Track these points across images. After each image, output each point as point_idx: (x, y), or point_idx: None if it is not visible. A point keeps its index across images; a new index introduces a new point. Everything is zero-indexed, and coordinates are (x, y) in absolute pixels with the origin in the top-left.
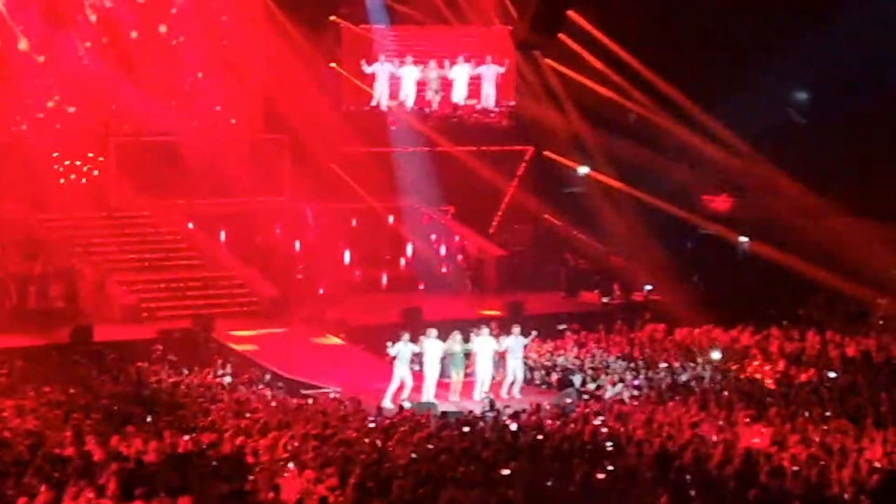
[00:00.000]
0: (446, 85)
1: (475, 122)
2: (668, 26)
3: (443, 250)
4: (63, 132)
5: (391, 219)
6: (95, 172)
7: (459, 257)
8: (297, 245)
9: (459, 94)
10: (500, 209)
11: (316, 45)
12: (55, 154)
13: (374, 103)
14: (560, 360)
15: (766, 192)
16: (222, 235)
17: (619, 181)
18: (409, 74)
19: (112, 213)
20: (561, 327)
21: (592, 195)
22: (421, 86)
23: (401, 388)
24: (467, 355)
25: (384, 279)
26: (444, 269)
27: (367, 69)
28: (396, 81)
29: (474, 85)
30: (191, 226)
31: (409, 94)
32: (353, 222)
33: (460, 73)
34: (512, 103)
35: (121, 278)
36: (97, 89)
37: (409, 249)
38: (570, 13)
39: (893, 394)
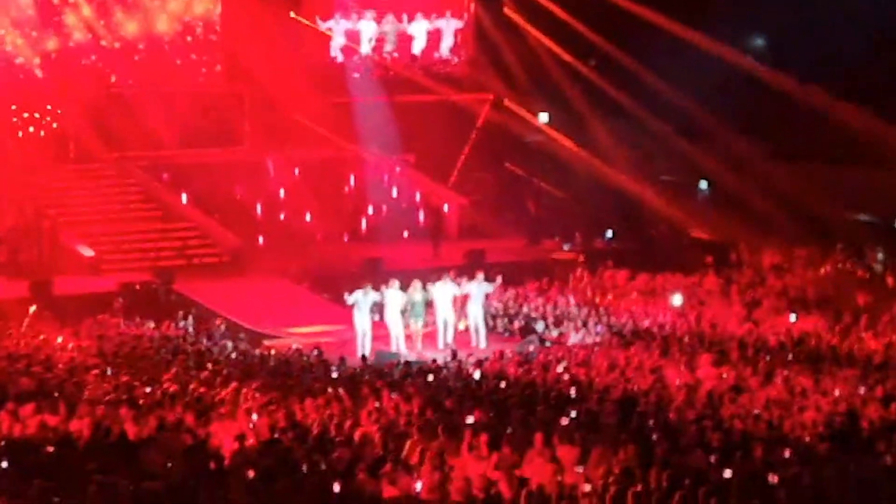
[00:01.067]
0: (405, 39)
1: (435, 72)
2: None
3: (404, 199)
4: (21, 84)
5: (352, 176)
6: (55, 125)
7: (420, 206)
8: (259, 196)
9: (417, 47)
10: (460, 158)
11: None
12: (13, 107)
13: (332, 55)
14: (522, 308)
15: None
16: (184, 187)
17: (578, 129)
18: (367, 29)
19: (72, 165)
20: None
21: (552, 143)
22: (379, 40)
23: (363, 337)
24: (429, 304)
25: (346, 229)
26: (405, 219)
27: (322, 24)
28: (355, 34)
29: (434, 40)
30: (152, 177)
31: (367, 46)
32: (315, 172)
33: (419, 29)
34: (467, 51)
35: (81, 231)
36: (56, 42)
37: (371, 199)
38: None
39: (851, 337)
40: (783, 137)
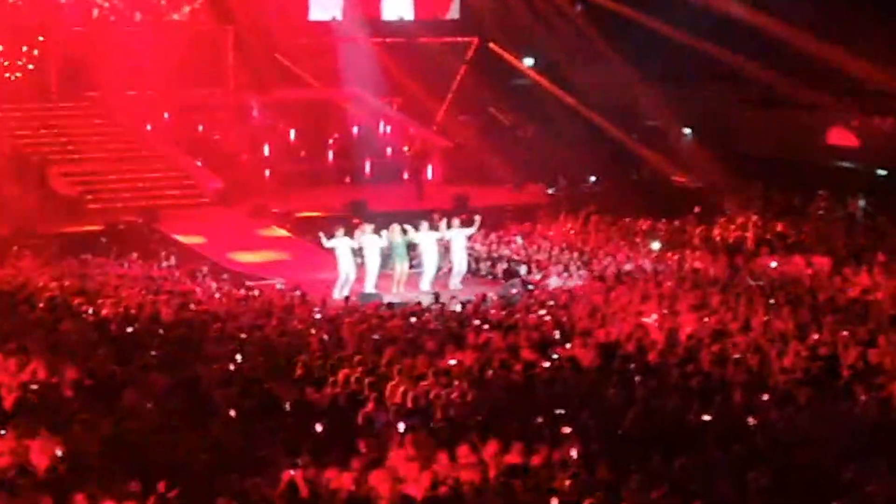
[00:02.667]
0: None
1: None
2: None
3: (389, 141)
4: (4, 24)
5: (337, 117)
6: (31, 66)
7: (405, 148)
8: (243, 137)
9: None
10: (445, 101)
11: None
12: None
13: None
14: (505, 252)
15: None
16: (167, 127)
17: (563, 73)
18: None
19: (53, 105)
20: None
21: (538, 87)
22: None
23: (346, 280)
24: (412, 247)
25: (329, 170)
26: (389, 161)
27: None
28: None
29: None
30: (135, 117)
31: None
32: (299, 113)
33: None
34: None
35: (64, 170)
36: None
37: (356, 141)
38: None
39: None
40: (766, 84)
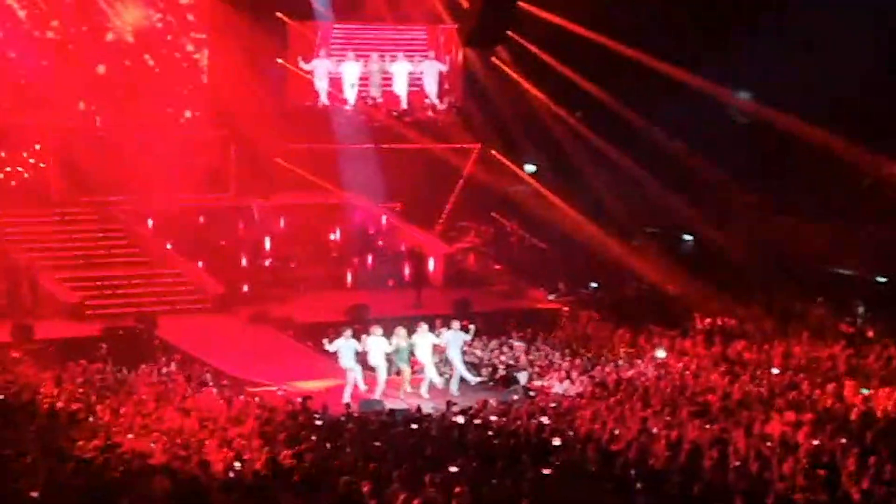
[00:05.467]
0: (390, 82)
1: (421, 120)
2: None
3: (389, 247)
4: (2, 128)
5: (337, 222)
6: (32, 171)
7: (405, 254)
8: (244, 242)
9: (399, 90)
10: (446, 207)
11: (262, 42)
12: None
13: (315, 100)
14: (506, 357)
15: (707, 191)
16: (167, 232)
17: (565, 179)
18: (351, 70)
19: (54, 209)
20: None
21: (539, 193)
22: (364, 81)
23: (354, 385)
24: (413, 351)
25: (330, 276)
26: (391, 266)
27: (305, 66)
28: (339, 78)
29: (417, 82)
30: (134, 222)
31: (353, 88)
32: (300, 219)
33: (400, 70)
34: (453, 100)
35: (63, 275)
36: (37, 86)
37: (356, 246)
38: (521, 4)
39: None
40: (767, 190)
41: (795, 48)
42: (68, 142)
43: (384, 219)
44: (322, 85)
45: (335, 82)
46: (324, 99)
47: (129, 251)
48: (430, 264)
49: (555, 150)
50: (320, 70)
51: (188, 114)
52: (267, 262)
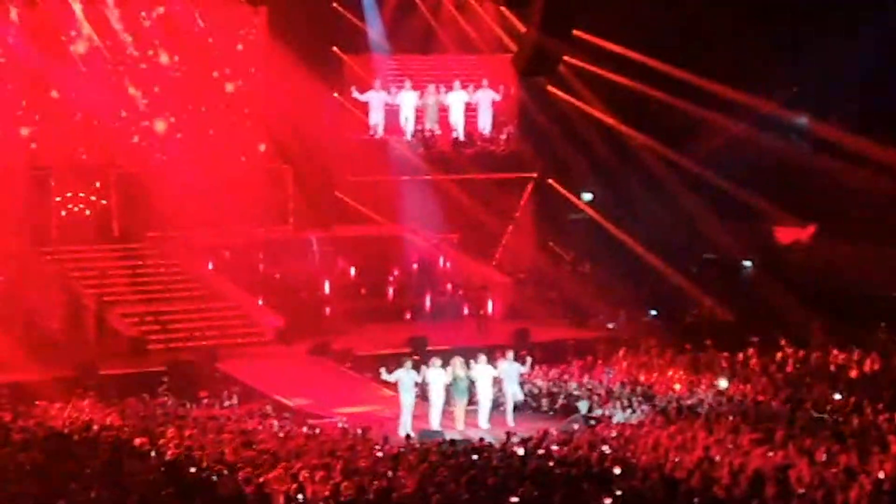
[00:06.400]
0: (445, 111)
1: (478, 150)
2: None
3: (448, 277)
4: (64, 165)
5: (396, 254)
6: (94, 207)
7: (464, 286)
8: (303, 275)
9: (455, 120)
10: (504, 237)
11: (318, 76)
12: (54, 184)
13: (371, 132)
14: (566, 387)
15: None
16: (227, 266)
17: (622, 207)
18: (408, 101)
19: (114, 245)
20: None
21: (596, 222)
22: (420, 113)
23: (410, 415)
24: (472, 382)
25: (389, 307)
26: (449, 298)
27: (360, 97)
28: (394, 110)
29: (473, 113)
30: (194, 257)
31: (408, 121)
32: (358, 250)
33: (456, 100)
34: (510, 129)
35: (125, 311)
36: (99, 122)
37: (415, 277)
38: (576, 33)
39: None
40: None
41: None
42: (128, 178)
43: (442, 250)
44: (377, 117)
45: (390, 115)
46: (380, 132)
47: (189, 285)
48: (489, 295)
49: (611, 178)
50: (375, 102)
51: (247, 149)
52: (327, 293)
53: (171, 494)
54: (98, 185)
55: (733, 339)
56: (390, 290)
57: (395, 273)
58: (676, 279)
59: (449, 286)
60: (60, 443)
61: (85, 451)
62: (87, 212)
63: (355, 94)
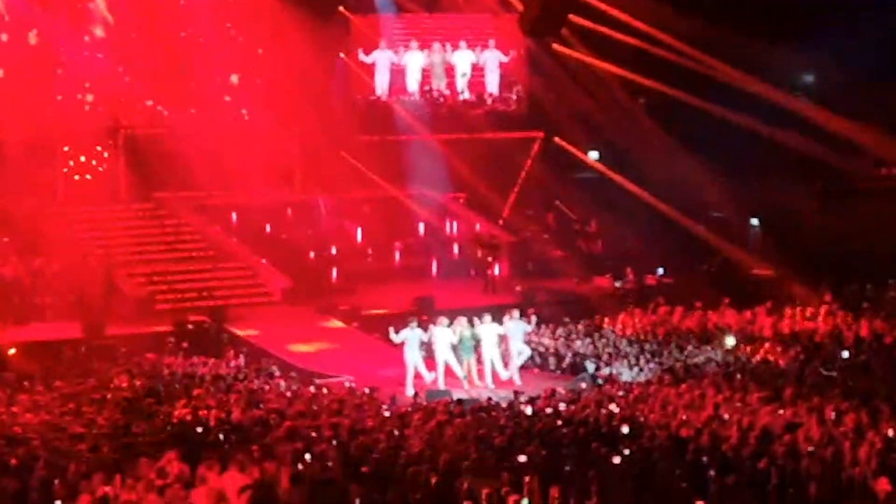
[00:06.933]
0: (453, 72)
1: (485, 110)
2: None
3: (455, 238)
4: (72, 126)
5: (402, 214)
6: (103, 167)
7: (471, 245)
8: (310, 235)
9: (461, 80)
10: (511, 196)
11: (325, 36)
12: (66, 148)
13: (378, 93)
14: (573, 346)
15: (771, 175)
16: (234, 227)
17: (627, 166)
18: (414, 61)
19: (122, 206)
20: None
21: (603, 180)
22: (426, 73)
23: (416, 375)
24: (477, 342)
25: (396, 268)
26: (456, 257)
27: (366, 59)
28: (400, 70)
29: (479, 72)
30: (203, 218)
31: (414, 81)
32: (365, 211)
33: (462, 60)
34: (518, 89)
35: (132, 271)
36: (106, 83)
37: (422, 238)
38: None
39: None
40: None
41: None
42: (136, 139)
43: (449, 210)
44: (383, 79)
45: (397, 76)
46: (385, 92)
47: (197, 246)
48: (496, 255)
49: (617, 136)
50: (381, 62)
51: (248, 111)
52: (334, 255)
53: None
54: (106, 146)
55: (742, 296)
56: (397, 252)
57: (402, 234)
58: (684, 238)
59: (455, 246)
60: (68, 404)
61: (93, 411)
62: (101, 168)
63: (362, 57)
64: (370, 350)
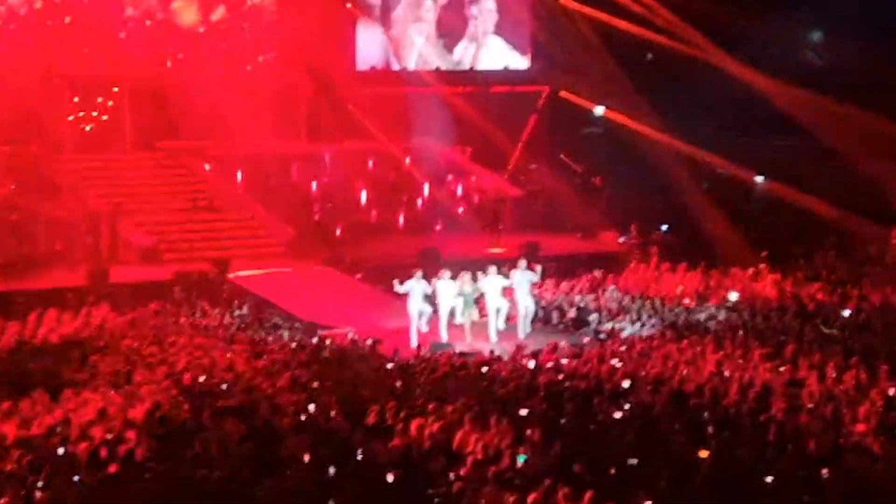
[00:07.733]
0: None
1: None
2: None
3: (460, 190)
4: (80, 76)
5: (408, 160)
6: (106, 117)
7: (476, 197)
8: (315, 187)
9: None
10: (517, 150)
11: None
12: (76, 99)
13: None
14: (576, 300)
15: (780, 132)
16: (239, 178)
17: (635, 121)
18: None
19: (128, 155)
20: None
21: (609, 135)
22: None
23: (416, 326)
24: (480, 295)
25: (401, 220)
26: (460, 210)
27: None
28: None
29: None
30: (208, 168)
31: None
32: (370, 163)
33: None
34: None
35: (138, 220)
36: (113, 34)
37: (426, 190)
38: None
39: None
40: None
41: None
42: (142, 88)
43: (455, 163)
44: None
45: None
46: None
47: (203, 196)
48: (501, 208)
49: (623, 93)
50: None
51: (260, 58)
52: (338, 207)
53: (178, 403)
54: (112, 94)
55: (744, 255)
56: (403, 203)
57: (408, 188)
58: (688, 194)
59: (460, 198)
60: (73, 351)
61: (95, 359)
62: (104, 117)
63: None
64: (373, 301)
